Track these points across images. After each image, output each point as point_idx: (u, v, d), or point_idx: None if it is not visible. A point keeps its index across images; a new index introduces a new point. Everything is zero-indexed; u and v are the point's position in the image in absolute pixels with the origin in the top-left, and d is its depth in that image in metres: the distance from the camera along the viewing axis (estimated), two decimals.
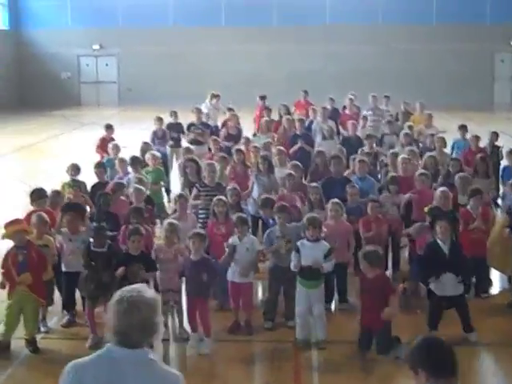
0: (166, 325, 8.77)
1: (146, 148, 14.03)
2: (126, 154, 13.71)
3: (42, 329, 8.84)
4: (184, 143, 16.16)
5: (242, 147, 13.67)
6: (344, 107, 19.09)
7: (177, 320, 8.92)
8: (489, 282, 10.42)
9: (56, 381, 3.91)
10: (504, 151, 13.98)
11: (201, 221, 10.36)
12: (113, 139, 15.03)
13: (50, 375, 7.19)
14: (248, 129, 18.00)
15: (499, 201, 13.26)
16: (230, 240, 8.97)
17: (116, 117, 28.85)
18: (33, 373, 7.97)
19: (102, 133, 15.83)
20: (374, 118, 17.89)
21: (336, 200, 9.75)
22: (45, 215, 9.02)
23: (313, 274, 8.35)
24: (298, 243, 8.51)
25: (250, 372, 8.15)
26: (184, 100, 25.82)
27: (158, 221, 11.67)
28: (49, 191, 10.22)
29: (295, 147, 14.56)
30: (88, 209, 10.72)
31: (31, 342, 8.31)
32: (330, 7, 37.00)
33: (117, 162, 12.77)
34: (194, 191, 11.00)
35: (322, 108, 17.30)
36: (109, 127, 15.78)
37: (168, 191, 14.81)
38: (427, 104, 18.60)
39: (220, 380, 7.88)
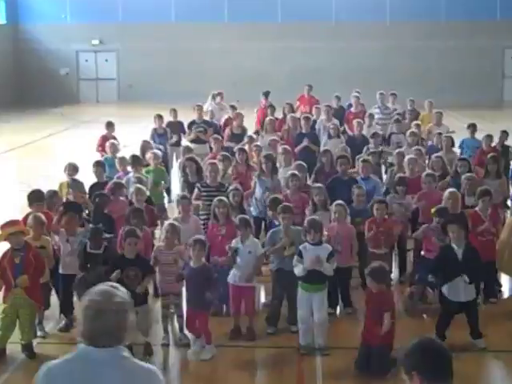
0: (166, 330, 8.78)
1: (146, 146, 14.01)
2: (126, 152, 13.70)
3: (39, 333, 8.82)
4: (184, 142, 16.14)
5: (246, 146, 13.67)
6: (349, 105, 19.09)
7: (177, 325, 8.91)
8: (498, 287, 10.40)
9: None
10: None
11: (202, 222, 10.34)
12: (114, 137, 15.02)
13: None
14: (251, 127, 17.98)
15: (509, 202, 13.23)
16: (233, 243, 8.97)
17: (116, 114, 28.76)
18: (29, 378, 7.90)
19: (102, 131, 15.80)
20: (382, 117, 17.90)
21: (340, 202, 9.74)
22: (42, 216, 9.02)
23: (315, 276, 8.33)
24: (301, 247, 8.48)
25: (251, 378, 8.16)
26: (186, 97, 25.82)
27: (158, 222, 11.64)
28: (45, 191, 10.21)
29: (300, 146, 14.55)
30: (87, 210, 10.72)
31: (27, 347, 8.30)
32: (337, 3, 36.91)
33: (117, 160, 12.76)
34: (195, 191, 10.99)
35: (325, 106, 17.30)
36: (110, 125, 15.72)
37: (168, 191, 14.80)
38: (435, 102, 18.58)
39: None
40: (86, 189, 11.70)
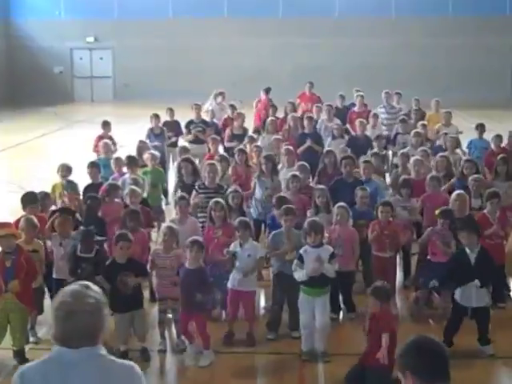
0: (162, 335, 8.79)
1: (142, 147, 14.01)
2: (122, 153, 13.71)
3: (31, 339, 8.82)
4: (181, 142, 16.14)
5: (247, 146, 13.68)
6: (352, 104, 19.08)
7: (174, 330, 8.92)
8: (507, 291, 10.40)
9: None
10: None
11: (200, 225, 10.35)
12: (110, 137, 15.03)
13: None
14: (251, 126, 18.00)
15: None
16: (231, 247, 8.98)
17: (111, 114, 28.78)
18: None
19: (97, 131, 15.81)
20: (388, 117, 17.90)
21: (342, 204, 9.75)
22: (34, 219, 9.01)
23: (317, 280, 8.32)
24: (301, 251, 8.48)
25: None
26: (184, 96, 25.84)
27: (155, 224, 11.65)
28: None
29: (303, 146, 14.57)
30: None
31: (19, 353, 8.29)
32: None
33: (112, 161, 12.77)
34: (193, 193, 11.00)
35: (327, 106, 17.30)
36: (106, 124, 15.73)
37: (166, 193, 14.80)
38: (442, 101, 18.57)
39: None
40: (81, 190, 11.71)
